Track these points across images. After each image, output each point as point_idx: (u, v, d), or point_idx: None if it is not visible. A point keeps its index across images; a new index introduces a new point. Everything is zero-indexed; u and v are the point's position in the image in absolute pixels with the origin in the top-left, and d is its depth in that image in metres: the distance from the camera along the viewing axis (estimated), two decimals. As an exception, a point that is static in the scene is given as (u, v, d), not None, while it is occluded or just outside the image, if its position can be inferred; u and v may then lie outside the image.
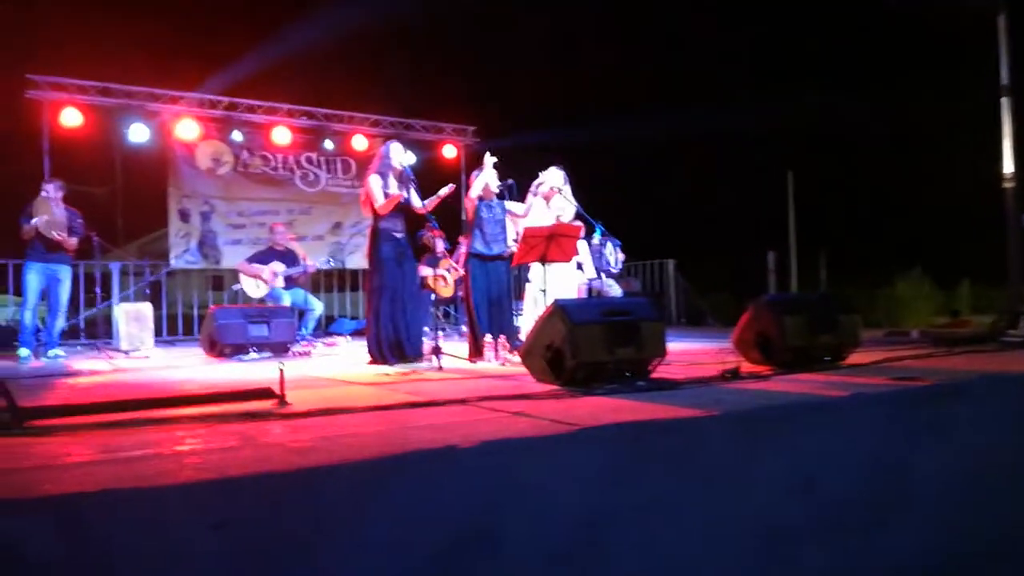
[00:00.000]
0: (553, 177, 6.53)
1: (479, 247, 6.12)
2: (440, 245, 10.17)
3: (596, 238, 6.38)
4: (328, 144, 11.57)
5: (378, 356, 5.88)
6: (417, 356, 5.94)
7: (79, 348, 8.63)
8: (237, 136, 10.96)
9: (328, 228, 11.87)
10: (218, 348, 6.91)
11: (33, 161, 9.65)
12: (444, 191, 5.98)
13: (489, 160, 6.23)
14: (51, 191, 7.39)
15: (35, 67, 9.72)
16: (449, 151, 12.56)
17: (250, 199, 11.23)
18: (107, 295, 10.14)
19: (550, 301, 6.11)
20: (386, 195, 5.94)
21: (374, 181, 5.98)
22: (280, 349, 7.18)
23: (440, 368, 5.41)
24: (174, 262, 10.65)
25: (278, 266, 9.07)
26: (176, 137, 10.57)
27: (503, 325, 6.15)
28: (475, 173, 6.31)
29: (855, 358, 5.12)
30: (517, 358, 5.76)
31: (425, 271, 10.15)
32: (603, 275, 9.50)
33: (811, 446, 3.17)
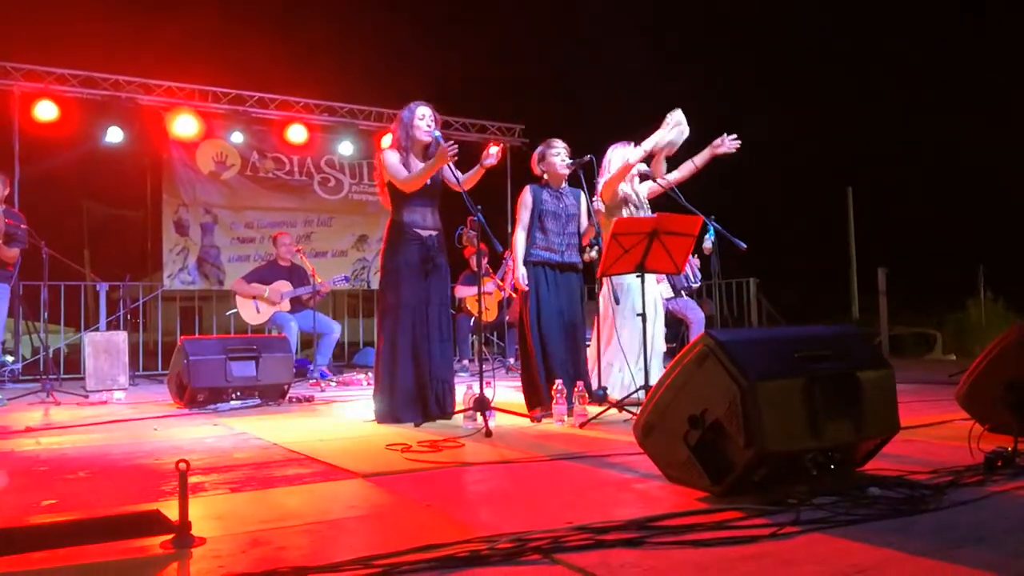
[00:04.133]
0: (633, 155, 4.63)
1: (543, 252, 4.25)
2: (481, 260, 8.31)
3: (708, 241, 4.49)
4: (349, 147, 9.82)
5: (388, 413, 4.05)
6: (447, 412, 4.09)
7: (45, 386, 6.75)
8: (245, 135, 9.27)
9: (352, 242, 10.11)
10: (188, 394, 5.13)
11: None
12: (488, 160, 4.10)
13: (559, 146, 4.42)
14: None
15: (4, 52, 8.17)
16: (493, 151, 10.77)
17: (260, 208, 9.51)
18: (94, 321, 8.53)
19: (654, 331, 4.25)
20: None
21: (390, 156, 4.20)
22: (272, 393, 5.37)
23: (488, 433, 3.54)
24: (167, 282, 8.94)
25: (283, 285, 7.34)
26: (173, 135, 8.91)
27: (577, 364, 4.27)
28: (538, 149, 4.48)
29: None
30: (598, 411, 3.89)
31: (464, 291, 8.33)
32: (683, 293, 7.61)
33: None
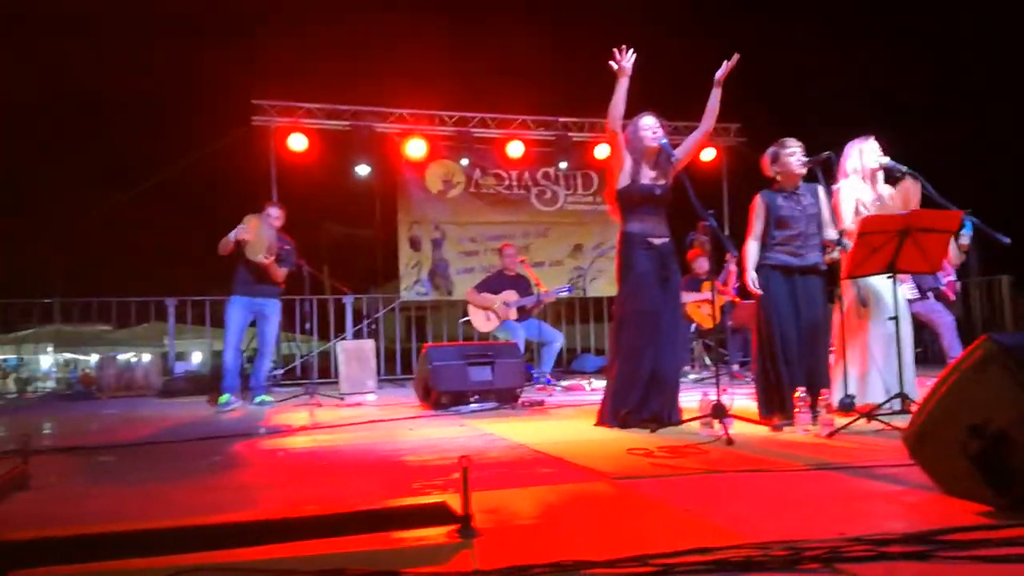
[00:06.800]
0: (870, 150, 4.37)
1: (780, 255, 4.12)
2: (703, 264, 8.21)
3: (965, 237, 4.14)
4: (563, 160, 10.08)
5: (616, 415, 4.10)
6: (676, 418, 4.09)
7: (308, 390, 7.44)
8: (468, 154, 9.81)
9: (567, 251, 10.35)
10: (433, 397, 5.52)
11: (261, 194, 9.12)
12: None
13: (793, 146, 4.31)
14: (272, 214, 6.53)
15: (261, 91, 9.24)
16: (707, 153, 10.56)
17: (482, 222, 10.01)
18: (339, 331, 9.40)
19: (901, 335, 3.99)
20: (635, 180, 4.25)
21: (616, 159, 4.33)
22: (507, 397, 5.65)
23: (730, 441, 3.49)
24: (404, 294, 9.68)
25: (510, 295, 7.67)
26: (406, 158, 9.65)
27: (819, 371, 4.09)
28: (770, 151, 4.37)
29: None
30: (847, 420, 3.69)
31: (687, 297, 8.24)
32: (931, 294, 7.04)
33: None
